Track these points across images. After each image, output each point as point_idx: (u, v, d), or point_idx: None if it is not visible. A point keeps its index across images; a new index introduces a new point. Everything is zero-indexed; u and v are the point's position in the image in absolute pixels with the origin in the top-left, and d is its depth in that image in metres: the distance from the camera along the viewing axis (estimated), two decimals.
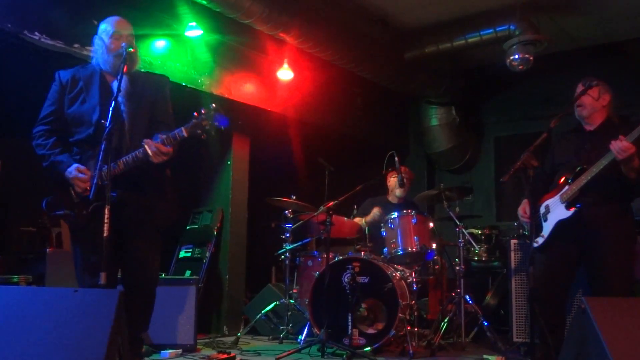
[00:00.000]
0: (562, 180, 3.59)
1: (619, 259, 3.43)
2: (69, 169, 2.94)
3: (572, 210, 3.46)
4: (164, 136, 2.91)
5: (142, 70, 3.27)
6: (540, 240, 3.68)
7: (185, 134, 2.92)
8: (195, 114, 2.95)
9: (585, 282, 3.66)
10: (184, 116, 3.27)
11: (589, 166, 3.42)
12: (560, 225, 3.53)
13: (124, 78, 2.98)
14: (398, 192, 5.46)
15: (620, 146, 3.23)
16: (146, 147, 2.88)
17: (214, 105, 2.98)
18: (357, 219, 5.32)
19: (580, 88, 3.61)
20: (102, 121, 2.80)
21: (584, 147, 3.59)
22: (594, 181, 3.41)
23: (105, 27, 3.11)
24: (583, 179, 3.44)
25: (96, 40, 3.15)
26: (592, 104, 3.61)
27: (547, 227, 3.64)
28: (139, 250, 3.05)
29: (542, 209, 3.72)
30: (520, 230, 4.90)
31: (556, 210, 3.59)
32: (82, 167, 2.94)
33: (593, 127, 3.63)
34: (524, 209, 3.81)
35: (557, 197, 3.61)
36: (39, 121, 3.08)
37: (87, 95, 3.02)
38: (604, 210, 3.47)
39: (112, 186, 2.84)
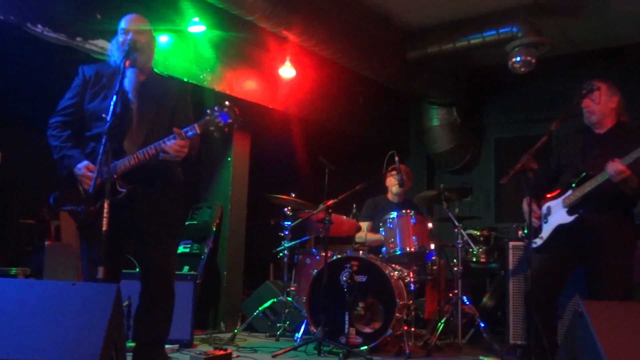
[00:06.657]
0: (567, 183, 3.55)
1: (619, 264, 3.39)
2: (79, 165, 2.92)
3: (574, 216, 3.44)
4: (177, 131, 2.87)
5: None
6: (538, 241, 3.64)
7: (197, 130, 2.89)
8: (209, 110, 2.90)
9: (583, 286, 3.63)
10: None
11: (594, 172, 3.37)
12: (560, 228, 3.50)
13: (134, 74, 2.99)
14: (397, 191, 5.46)
15: (614, 169, 3.21)
16: (165, 146, 2.85)
17: (227, 102, 2.92)
18: (362, 224, 5.30)
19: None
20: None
21: (591, 151, 3.52)
22: (596, 190, 3.37)
23: (120, 25, 3.11)
24: (587, 187, 3.40)
25: (114, 39, 3.15)
26: (601, 109, 3.52)
27: (547, 229, 3.61)
28: (154, 249, 3.02)
29: (544, 210, 3.67)
30: (519, 233, 4.86)
31: (557, 214, 3.56)
32: (91, 166, 2.91)
33: (603, 131, 3.56)
34: (528, 203, 3.74)
35: (559, 200, 3.57)
36: (57, 112, 3.06)
37: (109, 91, 3.00)
38: (605, 217, 3.43)
39: (123, 182, 2.85)
